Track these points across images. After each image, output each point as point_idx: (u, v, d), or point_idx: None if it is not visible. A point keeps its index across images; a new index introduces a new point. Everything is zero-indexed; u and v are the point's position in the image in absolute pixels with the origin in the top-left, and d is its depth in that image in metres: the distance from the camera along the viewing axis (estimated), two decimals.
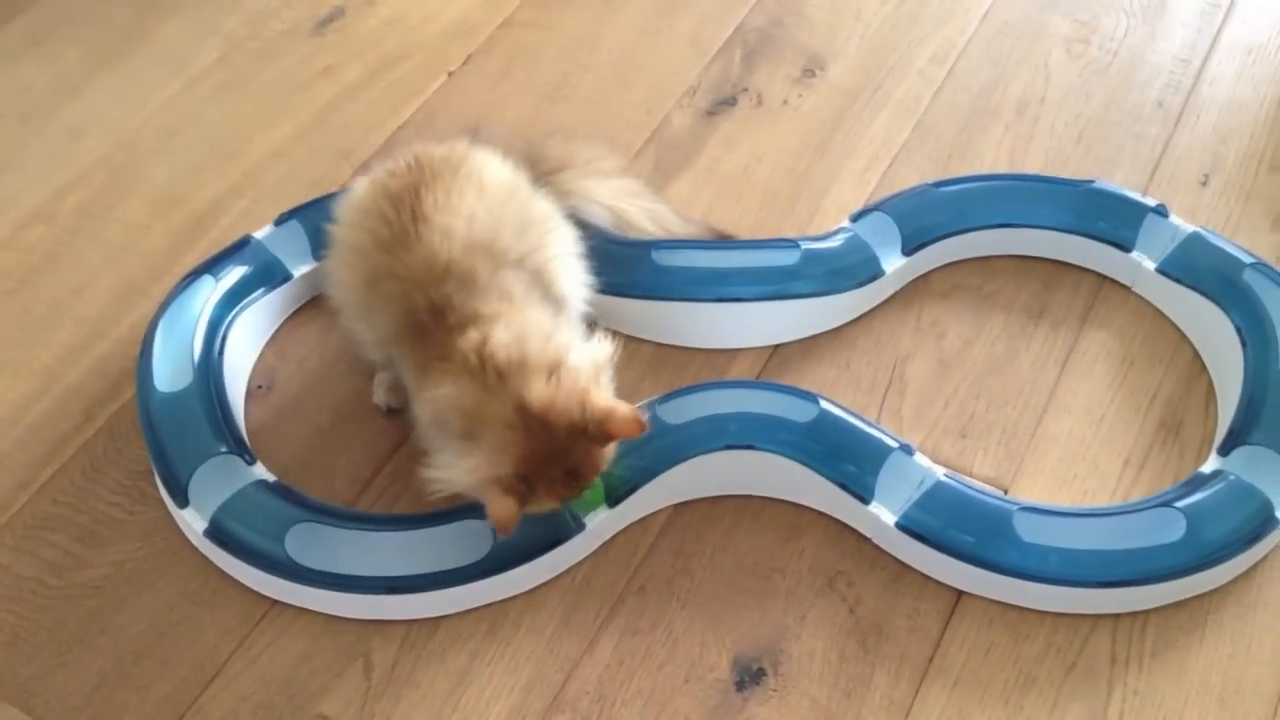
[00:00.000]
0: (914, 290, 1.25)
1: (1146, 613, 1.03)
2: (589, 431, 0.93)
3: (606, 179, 1.21)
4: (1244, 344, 1.13)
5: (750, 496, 1.10)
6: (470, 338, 0.95)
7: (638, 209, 1.22)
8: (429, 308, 0.97)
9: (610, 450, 0.97)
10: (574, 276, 1.09)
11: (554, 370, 0.93)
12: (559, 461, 0.94)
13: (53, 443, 1.15)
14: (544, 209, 1.08)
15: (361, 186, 1.07)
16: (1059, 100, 1.43)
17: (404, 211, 1.00)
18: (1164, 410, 1.16)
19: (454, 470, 0.93)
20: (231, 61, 1.49)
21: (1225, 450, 1.07)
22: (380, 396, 1.16)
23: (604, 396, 0.94)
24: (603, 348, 0.97)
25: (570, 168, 1.18)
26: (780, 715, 0.99)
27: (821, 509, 1.09)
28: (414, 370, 0.99)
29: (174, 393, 1.10)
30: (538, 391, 0.92)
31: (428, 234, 0.99)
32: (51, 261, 1.29)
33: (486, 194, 1.03)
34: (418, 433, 1.01)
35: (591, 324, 1.10)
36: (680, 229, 1.24)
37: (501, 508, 0.91)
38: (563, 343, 0.96)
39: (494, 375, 0.93)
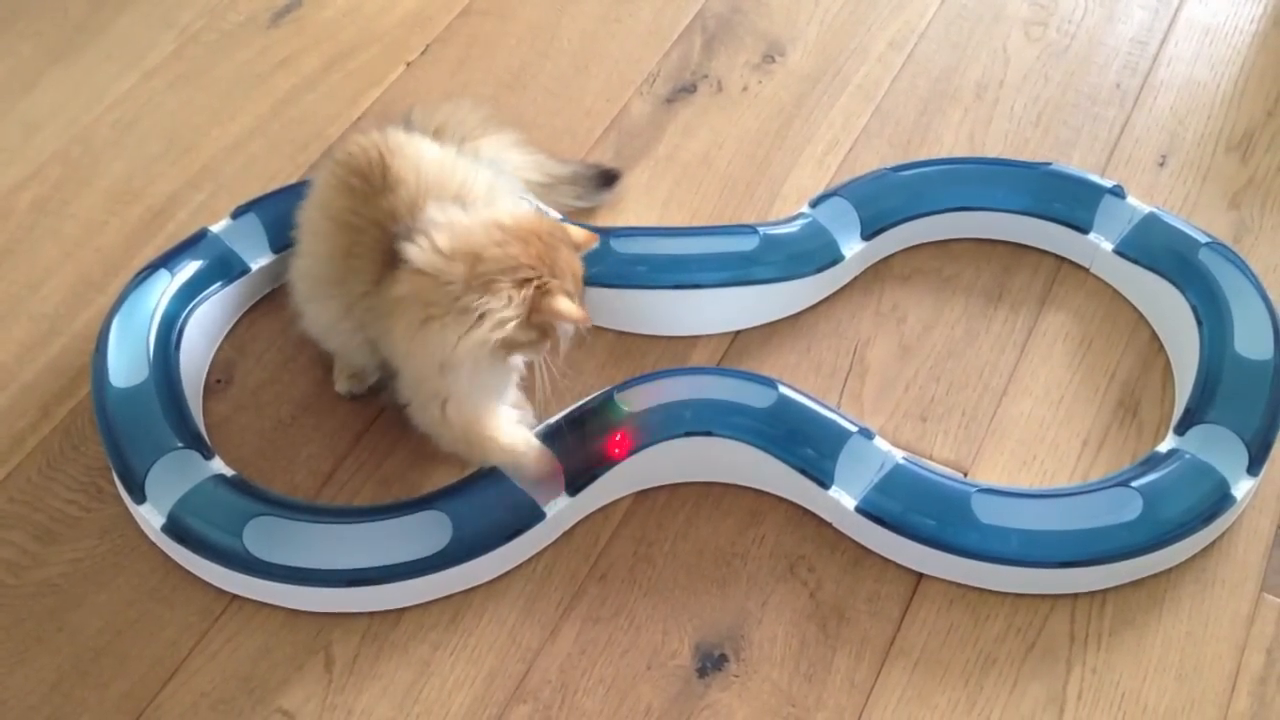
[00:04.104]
0: (874, 274, 1.25)
1: (1105, 592, 1.04)
2: (559, 235, 0.97)
3: (489, 135, 1.22)
4: (1199, 323, 1.14)
5: (711, 484, 1.10)
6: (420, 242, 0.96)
7: (525, 161, 1.24)
8: (406, 234, 0.97)
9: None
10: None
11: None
12: (561, 264, 0.97)
13: (9, 441, 1.14)
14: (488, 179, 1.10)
15: (320, 176, 1.07)
16: (1018, 83, 1.43)
17: (374, 178, 1.01)
18: (1122, 390, 1.16)
19: (489, 320, 0.93)
20: (188, 54, 1.47)
21: (1181, 429, 1.08)
22: (343, 385, 1.15)
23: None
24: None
25: (471, 137, 1.20)
26: (742, 700, 0.99)
27: (782, 494, 1.09)
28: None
29: (129, 388, 1.09)
30: (508, 213, 0.97)
31: (401, 186, 1.00)
32: (7, 258, 1.28)
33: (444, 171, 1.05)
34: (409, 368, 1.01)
35: None
36: (561, 170, 1.27)
37: (569, 304, 0.94)
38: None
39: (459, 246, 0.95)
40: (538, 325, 0.96)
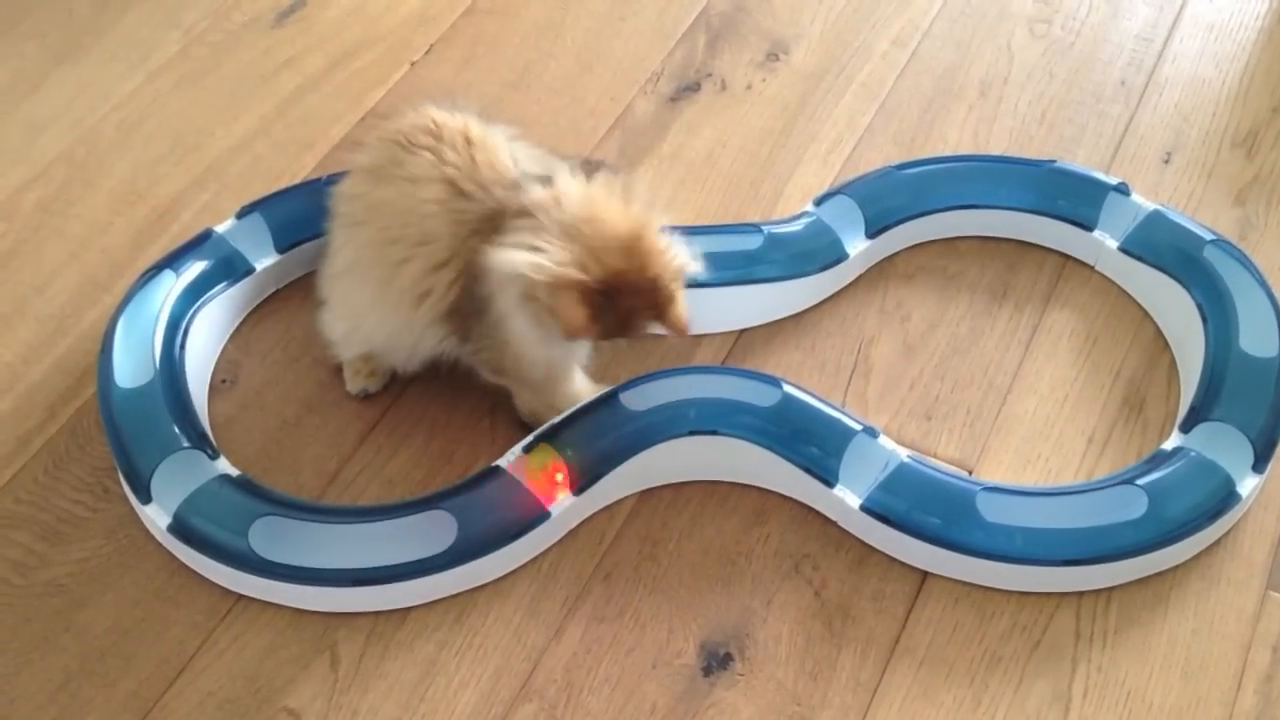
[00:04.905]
0: (878, 273, 1.25)
1: (1110, 590, 1.04)
2: (660, 288, 0.95)
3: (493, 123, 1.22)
4: (1205, 321, 1.14)
5: (716, 482, 1.10)
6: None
7: (527, 155, 1.23)
8: (519, 209, 0.98)
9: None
10: None
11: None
12: (622, 301, 0.95)
13: (15, 441, 1.14)
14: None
15: (369, 152, 1.07)
16: (1022, 80, 1.43)
17: (448, 135, 1.02)
18: (1127, 388, 1.16)
19: (536, 254, 0.94)
20: (193, 54, 1.48)
21: (1187, 427, 1.08)
22: (357, 384, 1.15)
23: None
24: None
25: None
26: (747, 699, 0.99)
27: (786, 493, 1.09)
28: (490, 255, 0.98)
29: (135, 388, 1.10)
30: (656, 236, 0.96)
31: (488, 141, 1.03)
32: (12, 259, 1.28)
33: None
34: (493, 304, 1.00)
35: None
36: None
37: (574, 318, 0.93)
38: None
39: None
40: (548, 303, 0.94)
